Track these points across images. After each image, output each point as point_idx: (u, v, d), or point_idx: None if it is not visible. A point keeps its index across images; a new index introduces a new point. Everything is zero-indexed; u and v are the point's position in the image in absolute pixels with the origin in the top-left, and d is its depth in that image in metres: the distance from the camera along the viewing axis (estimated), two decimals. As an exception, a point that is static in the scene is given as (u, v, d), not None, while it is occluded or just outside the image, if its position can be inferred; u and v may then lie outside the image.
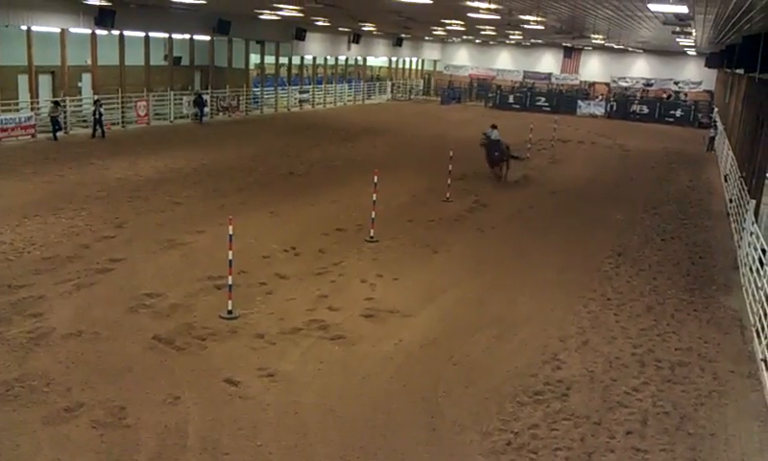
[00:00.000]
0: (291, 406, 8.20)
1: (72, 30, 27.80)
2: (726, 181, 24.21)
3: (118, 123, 29.80)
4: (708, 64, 39.20)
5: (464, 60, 61.05)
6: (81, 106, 29.58)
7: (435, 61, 62.33)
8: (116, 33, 29.40)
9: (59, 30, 27.29)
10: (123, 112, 30.17)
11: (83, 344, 9.45)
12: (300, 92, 43.62)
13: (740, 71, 21.23)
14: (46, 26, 26.75)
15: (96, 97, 27.81)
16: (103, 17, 27.54)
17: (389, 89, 55.33)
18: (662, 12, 19.70)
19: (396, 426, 7.94)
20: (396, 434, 7.79)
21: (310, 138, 30.50)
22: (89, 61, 29.18)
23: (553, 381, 9.21)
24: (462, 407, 8.43)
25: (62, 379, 8.48)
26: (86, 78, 30.31)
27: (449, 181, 19.69)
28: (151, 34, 31.60)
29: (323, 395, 8.53)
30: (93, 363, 8.98)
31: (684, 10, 17.42)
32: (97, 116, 26.97)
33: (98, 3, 26.57)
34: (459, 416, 8.22)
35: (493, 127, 22.71)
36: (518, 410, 8.42)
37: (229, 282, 10.73)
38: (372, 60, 54.40)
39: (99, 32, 28.55)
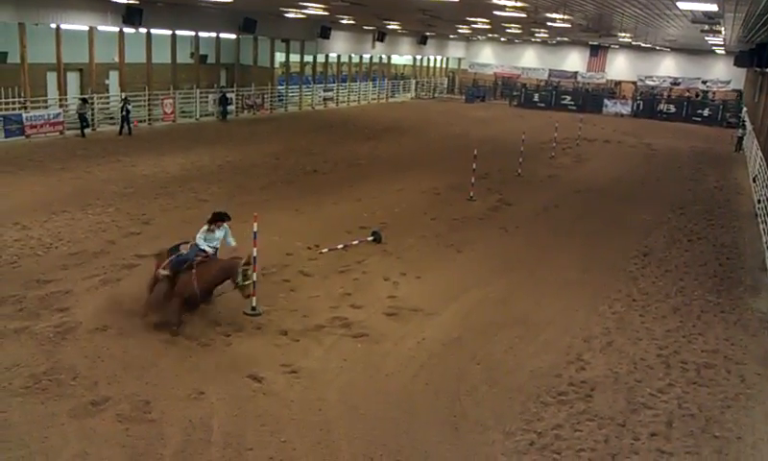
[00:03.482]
0: (314, 403, 8.24)
1: (100, 28, 28.14)
2: (754, 181, 23.85)
3: (145, 120, 30.11)
4: (737, 63, 38.53)
5: (488, 58, 60.78)
6: (108, 103, 29.93)
7: (459, 60, 62.12)
8: (143, 31, 29.67)
9: (87, 28, 27.61)
10: (149, 110, 30.47)
11: (108, 339, 9.57)
12: (325, 90, 43.72)
13: (770, 70, 20.89)
14: (75, 24, 27.08)
15: (124, 95, 28.11)
16: (130, 15, 27.86)
17: (413, 88, 55.25)
18: (691, 11, 19.46)
19: (418, 425, 7.94)
20: (419, 432, 7.79)
21: (334, 136, 30.57)
22: (117, 59, 29.52)
23: (577, 382, 9.15)
24: (485, 407, 8.41)
25: (89, 373, 8.60)
26: (114, 75, 30.69)
27: (473, 180, 19.62)
28: (177, 32, 31.86)
29: (346, 392, 8.55)
30: (119, 358, 9.09)
31: (713, 8, 17.19)
32: (124, 114, 27.27)
33: (126, 1, 26.89)
34: (482, 415, 8.21)
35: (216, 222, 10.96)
36: (542, 410, 8.38)
37: (254, 279, 10.78)
38: (396, 59, 54.36)
39: (126, 30, 28.86)
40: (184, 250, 10.23)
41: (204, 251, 10.31)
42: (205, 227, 10.47)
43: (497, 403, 8.50)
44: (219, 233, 10.46)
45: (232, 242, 10.62)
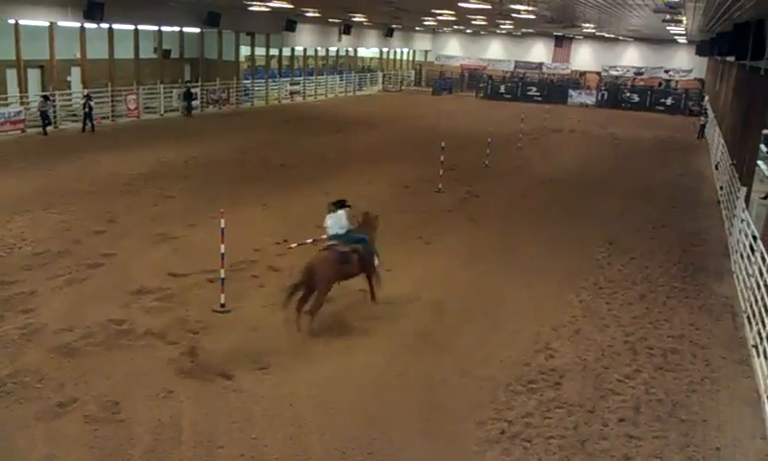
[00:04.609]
0: (286, 398, 8.21)
1: (60, 23, 27.62)
2: (717, 168, 24.29)
3: (108, 117, 29.66)
4: (699, 52, 39.33)
5: (455, 50, 61.00)
6: (70, 100, 29.41)
7: (426, 52, 62.23)
8: (105, 26, 29.20)
9: (47, 23, 27.11)
10: (113, 106, 30.02)
11: (75, 339, 9.42)
12: (291, 84, 43.48)
13: (731, 59, 21.26)
14: (34, 20, 26.57)
15: (86, 91, 27.65)
16: (91, 10, 27.36)
17: (380, 80, 55.22)
18: (653, 0, 19.71)
19: (391, 417, 7.96)
20: (391, 425, 7.80)
21: (302, 130, 30.43)
22: (78, 55, 29.00)
23: (546, 370, 9.24)
24: (456, 397, 8.45)
25: (55, 375, 8.46)
26: (76, 72, 30.11)
27: (441, 172, 19.68)
28: (140, 26, 31.43)
29: (317, 387, 8.53)
30: (86, 358, 8.95)
31: (674, -3, 17.46)
32: (87, 110, 26.82)
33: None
34: (453, 406, 8.25)
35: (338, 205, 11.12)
36: (512, 399, 8.45)
37: (222, 276, 10.71)
38: (362, 51, 54.25)
39: (88, 25, 28.36)
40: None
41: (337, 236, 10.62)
42: (340, 212, 10.74)
43: (469, 393, 8.55)
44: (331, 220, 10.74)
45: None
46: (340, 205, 10.79)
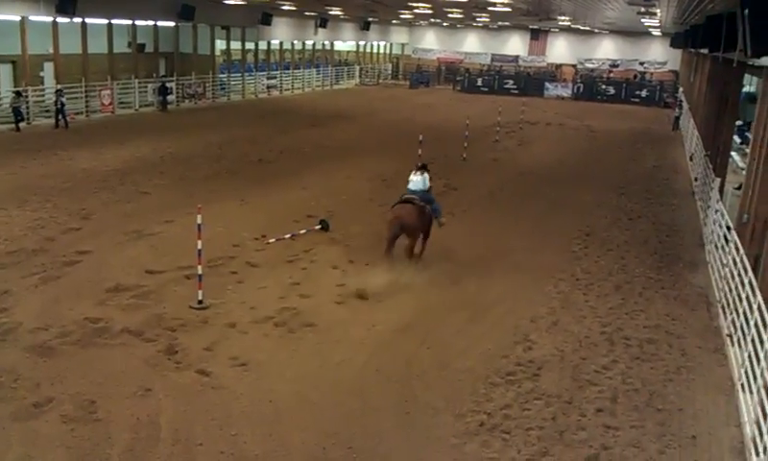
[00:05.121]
0: (265, 395, 8.18)
1: (32, 18, 27.17)
2: (691, 160, 24.56)
3: (82, 112, 29.27)
4: (673, 44, 39.71)
5: (432, 43, 61.01)
6: (43, 95, 28.98)
7: (403, 45, 62.20)
8: (78, 20, 28.81)
9: (18, 18, 26.67)
10: (87, 101, 29.62)
11: (50, 338, 9.31)
12: (268, 78, 43.24)
13: (704, 51, 21.48)
14: (5, 14, 26.14)
15: (58, 86, 27.26)
16: (64, 4, 26.95)
17: (357, 74, 55.10)
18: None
19: (370, 411, 7.96)
20: (371, 419, 7.81)
21: (278, 125, 30.28)
22: (51, 50, 28.57)
23: (524, 362, 9.30)
24: (435, 390, 8.48)
25: (31, 374, 8.35)
26: (49, 67, 29.69)
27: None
28: (114, 21, 31.05)
29: (296, 382, 8.51)
30: (62, 357, 8.85)
31: (648, -10, 17.60)
32: (59, 106, 26.45)
33: (58, -10, 26.05)
34: (432, 399, 8.27)
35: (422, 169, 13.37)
36: (491, 391, 8.49)
37: (199, 272, 10.63)
38: (339, 45, 54.08)
39: (60, 19, 27.94)
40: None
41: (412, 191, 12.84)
42: (426, 175, 13.10)
43: (448, 386, 8.58)
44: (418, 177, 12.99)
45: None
46: (424, 167, 13.16)
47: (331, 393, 8.32)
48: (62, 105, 26.52)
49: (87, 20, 29.39)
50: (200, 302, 10.51)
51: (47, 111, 27.96)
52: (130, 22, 32.62)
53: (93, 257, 12.52)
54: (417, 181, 12.89)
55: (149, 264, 12.23)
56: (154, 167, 20.45)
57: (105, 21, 30.59)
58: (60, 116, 26.51)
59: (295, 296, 11.17)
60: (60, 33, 28.34)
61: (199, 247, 10.60)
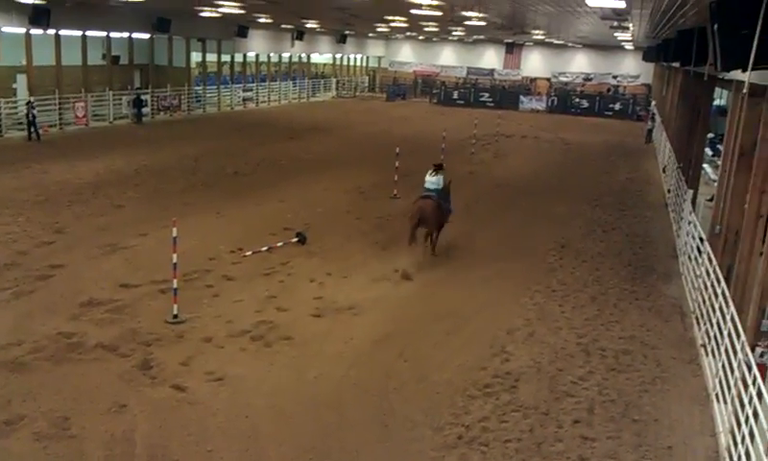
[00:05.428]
0: (241, 410, 8.11)
1: (5, 29, 26.87)
2: (664, 172, 24.88)
3: (56, 125, 28.95)
4: (646, 58, 40.30)
5: (408, 56, 61.25)
6: (16, 108, 28.60)
7: (379, 58, 62.37)
8: (52, 32, 28.52)
9: (-10, 29, 26.38)
10: (61, 114, 29.31)
11: (23, 354, 9.16)
12: (244, 91, 43.13)
13: (676, 64, 21.81)
14: (-24, 25, 25.83)
15: (29, 99, 26.92)
16: (37, 16, 26.66)
17: (334, 87, 55.14)
18: (600, 7, 20.12)
19: (348, 425, 7.93)
20: (349, 433, 7.78)
21: (255, 137, 30.19)
22: (24, 62, 28.25)
23: (502, 374, 9.33)
24: (413, 403, 8.47)
25: (2, 392, 8.21)
26: (21, 79, 29.32)
27: (396, 178, 19.72)
28: (88, 32, 30.76)
29: (273, 397, 8.46)
30: (34, 373, 8.71)
31: (621, 5, 17.84)
32: (30, 118, 26.11)
33: (32, 1, 25.75)
34: (410, 412, 8.26)
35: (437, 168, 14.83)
36: (469, 404, 8.50)
37: (174, 286, 10.54)
38: (316, 58, 54.11)
39: (34, 31, 27.64)
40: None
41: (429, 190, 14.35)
42: (442, 174, 14.61)
43: (426, 399, 8.58)
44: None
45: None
46: (440, 167, 14.64)
47: (309, 407, 8.27)
48: (34, 117, 26.18)
49: (61, 32, 29.09)
50: (175, 316, 10.42)
51: (20, 124, 27.59)
52: (104, 34, 32.34)
53: (67, 271, 12.36)
54: (433, 180, 14.41)
55: (123, 278, 12.10)
56: (128, 180, 20.27)
57: (79, 33, 30.30)
58: (31, 128, 26.18)
59: (272, 309, 11.12)
60: (34, 44, 27.99)
61: (174, 260, 10.51)
